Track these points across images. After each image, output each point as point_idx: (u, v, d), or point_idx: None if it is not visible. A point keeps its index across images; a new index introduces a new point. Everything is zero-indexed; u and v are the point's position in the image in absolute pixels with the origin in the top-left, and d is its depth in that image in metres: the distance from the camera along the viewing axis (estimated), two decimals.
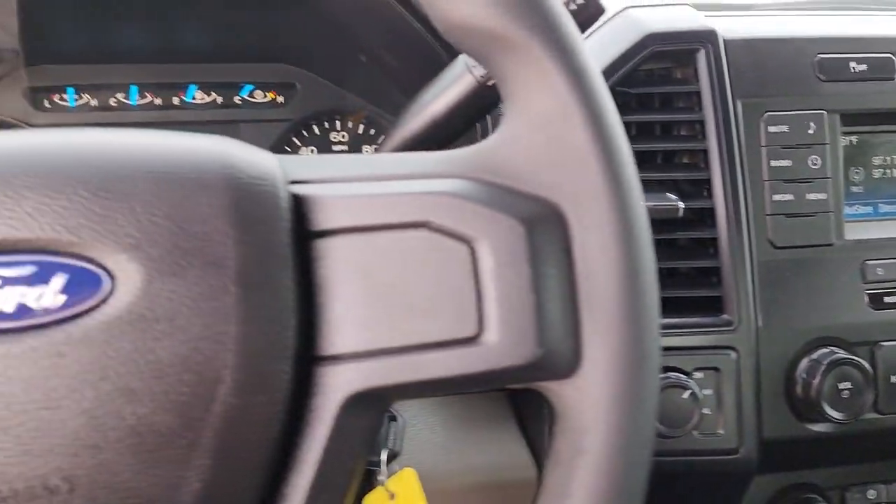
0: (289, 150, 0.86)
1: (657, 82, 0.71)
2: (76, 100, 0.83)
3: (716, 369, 0.65)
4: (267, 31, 0.82)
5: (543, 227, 0.34)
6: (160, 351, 0.30)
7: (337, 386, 0.33)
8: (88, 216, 0.30)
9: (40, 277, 0.29)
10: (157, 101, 0.85)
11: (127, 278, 0.30)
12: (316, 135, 0.87)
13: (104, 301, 0.30)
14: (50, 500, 0.29)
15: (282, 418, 0.32)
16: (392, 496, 0.52)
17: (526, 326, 0.33)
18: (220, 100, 0.86)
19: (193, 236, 0.31)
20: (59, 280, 0.30)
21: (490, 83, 0.52)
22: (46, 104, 0.82)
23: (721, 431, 0.65)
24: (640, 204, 0.35)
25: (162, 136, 0.34)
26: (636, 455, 0.34)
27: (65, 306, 0.30)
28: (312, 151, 0.87)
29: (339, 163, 0.36)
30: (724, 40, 0.70)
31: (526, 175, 0.35)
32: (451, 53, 0.64)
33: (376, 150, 0.85)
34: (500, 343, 0.33)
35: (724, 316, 0.66)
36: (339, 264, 0.33)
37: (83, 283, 0.30)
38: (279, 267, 0.32)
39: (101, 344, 0.29)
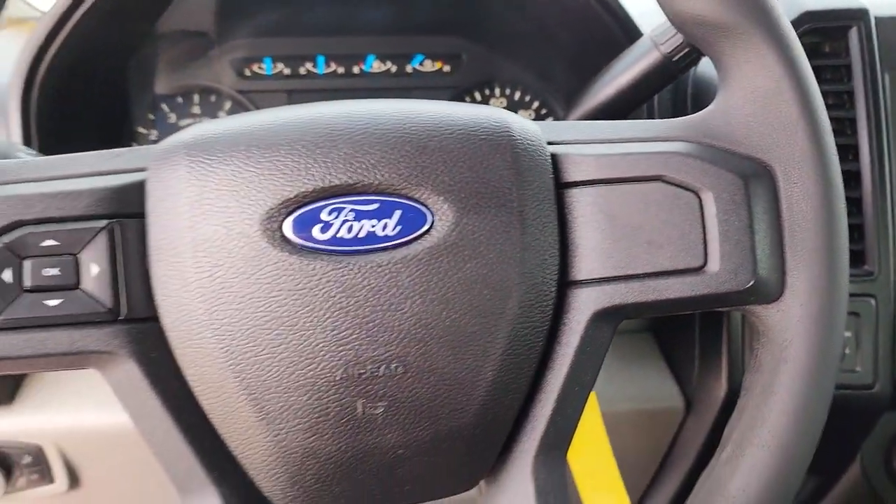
0: None
1: (808, 56, 0.77)
2: (272, 69, 0.94)
3: (856, 314, 0.73)
4: (441, 6, 0.91)
5: (757, 181, 0.42)
6: (467, 270, 0.40)
7: (586, 304, 0.42)
8: (415, 167, 0.40)
9: (383, 212, 0.40)
10: (340, 70, 0.95)
11: (443, 215, 0.40)
12: (477, 101, 0.97)
13: (427, 232, 0.40)
14: (391, 378, 0.40)
15: (547, 327, 0.42)
16: None
17: (742, 259, 0.42)
18: (394, 69, 0.96)
19: (488, 184, 0.41)
20: (396, 215, 0.40)
21: (675, 59, 0.60)
22: (247, 73, 0.94)
23: (858, 369, 0.73)
24: (837, 165, 0.43)
25: (454, 107, 0.43)
26: (829, 364, 0.42)
27: (400, 234, 0.40)
28: None
29: (586, 127, 0.45)
30: (875, 17, 0.75)
31: (742, 139, 0.43)
32: (626, 32, 0.72)
33: (532, 116, 0.94)
34: (721, 272, 0.42)
35: (866, 267, 0.74)
36: (587, 208, 0.42)
37: (413, 218, 0.40)
38: (546, 209, 0.42)
39: (426, 264, 0.40)
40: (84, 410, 0.76)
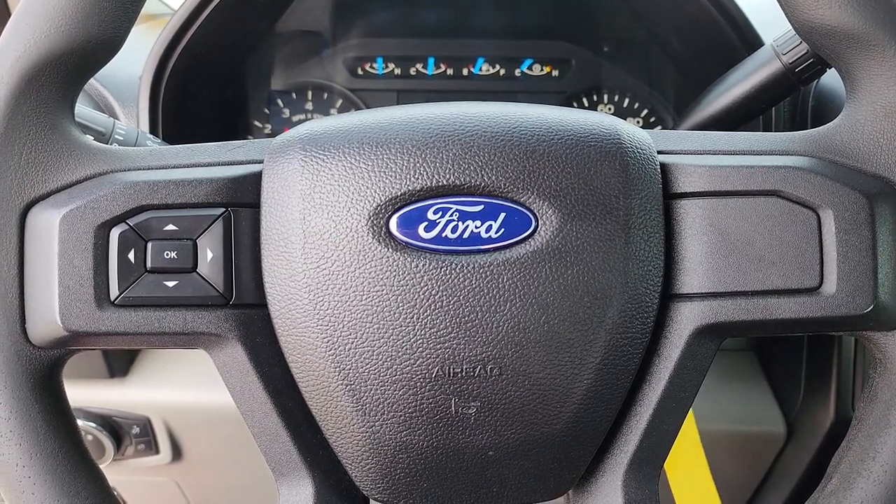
0: None
1: None
2: (383, 68, 0.97)
3: None
4: (552, 11, 0.91)
5: (883, 201, 0.40)
6: (569, 276, 0.40)
7: (689, 318, 0.41)
8: (522, 171, 0.40)
9: (488, 214, 0.40)
10: (449, 72, 0.96)
11: (547, 220, 0.40)
12: (585, 106, 0.96)
13: (530, 236, 0.40)
14: (485, 378, 0.40)
15: (647, 339, 0.41)
16: None
17: (862, 283, 0.39)
18: (502, 72, 0.96)
19: (595, 191, 0.40)
20: (500, 217, 0.40)
21: (797, 70, 0.57)
22: (359, 72, 0.97)
23: None
24: None
25: (563, 112, 0.43)
26: None
27: (503, 237, 0.40)
28: None
29: (698, 138, 0.44)
30: None
31: (869, 156, 0.41)
32: (746, 41, 0.70)
33: (639, 123, 0.92)
34: (837, 295, 0.40)
35: None
36: (696, 220, 0.41)
37: (517, 221, 0.40)
38: (653, 219, 0.41)
39: (527, 268, 0.40)
40: (192, 388, 0.80)
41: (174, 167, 0.42)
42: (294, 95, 0.96)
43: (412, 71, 0.96)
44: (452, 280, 0.39)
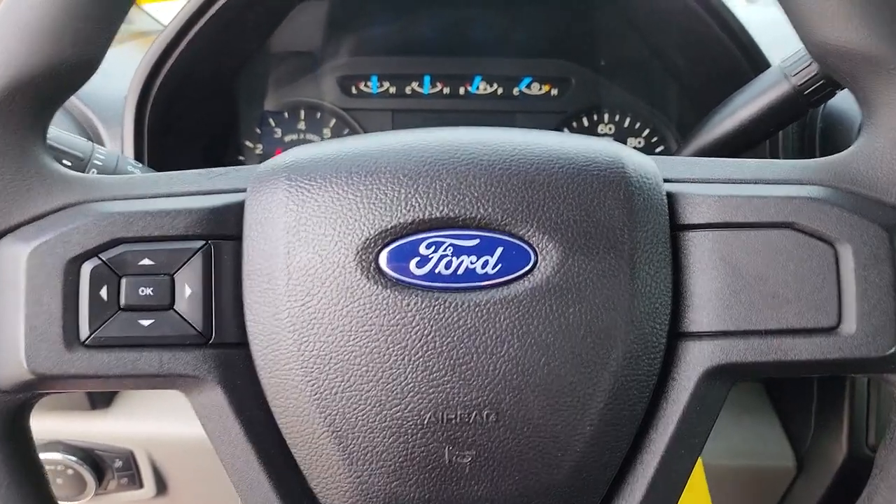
0: None
1: None
2: (378, 87, 0.94)
3: None
4: (551, 28, 0.89)
5: None
6: (570, 315, 0.37)
7: (698, 359, 0.38)
8: (521, 202, 0.37)
9: (484, 249, 0.38)
10: (446, 91, 0.94)
11: (547, 254, 0.37)
12: (584, 126, 0.93)
13: (530, 272, 0.37)
14: (482, 425, 0.37)
15: (654, 382, 0.38)
16: None
17: (883, 322, 0.37)
18: (500, 91, 0.94)
19: (598, 224, 0.38)
20: (497, 252, 0.38)
21: (807, 92, 0.55)
22: (353, 90, 0.94)
23: None
24: None
25: (563, 138, 0.41)
26: None
27: (500, 273, 0.37)
28: None
29: (706, 165, 0.41)
30: None
31: (887, 186, 0.38)
32: (752, 61, 0.68)
33: (641, 143, 0.90)
34: (857, 335, 0.37)
35: None
36: (705, 254, 0.39)
37: (515, 256, 0.37)
38: (660, 252, 0.38)
39: (526, 306, 0.37)
40: (176, 420, 0.77)
41: (152, 197, 0.40)
42: (286, 115, 0.94)
43: (408, 90, 0.94)
44: (446, 319, 0.37)
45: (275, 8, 0.81)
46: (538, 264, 0.37)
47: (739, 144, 0.60)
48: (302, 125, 0.94)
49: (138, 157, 0.74)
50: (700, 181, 0.41)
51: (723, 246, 0.39)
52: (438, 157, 0.38)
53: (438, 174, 0.38)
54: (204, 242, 0.38)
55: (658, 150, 0.91)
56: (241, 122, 0.93)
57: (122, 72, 0.74)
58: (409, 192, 0.37)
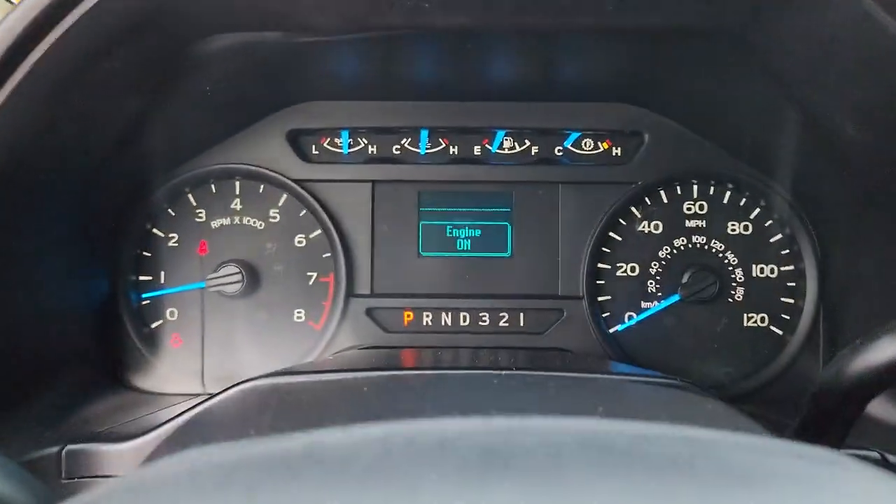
0: (622, 222, 0.61)
1: None
2: (351, 145, 0.63)
3: None
4: (617, 57, 0.56)
5: None
6: None
7: None
8: None
9: None
10: (454, 150, 0.63)
11: None
12: (663, 203, 0.62)
13: None
14: None
15: None
16: None
17: None
18: (535, 149, 0.63)
19: None
20: None
21: None
22: (315, 151, 0.63)
23: None
24: None
25: None
26: None
27: None
28: (657, 227, 0.61)
29: None
30: None
31: None
32: None
33: (749, 232, 0.59)
34: None
35: None
36: None
37: None
38: None
39: None
40: None
41: None
42: (213, 187, 0.62)
43: (395, 149, 0.63)
44: None
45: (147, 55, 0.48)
46: None
47: None
48: (237, 203, 0.62)
49: None
50: None
51: None
52: None
53: None
54: None
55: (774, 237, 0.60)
56: (140, 203, 0.61)
57: None
58: None
